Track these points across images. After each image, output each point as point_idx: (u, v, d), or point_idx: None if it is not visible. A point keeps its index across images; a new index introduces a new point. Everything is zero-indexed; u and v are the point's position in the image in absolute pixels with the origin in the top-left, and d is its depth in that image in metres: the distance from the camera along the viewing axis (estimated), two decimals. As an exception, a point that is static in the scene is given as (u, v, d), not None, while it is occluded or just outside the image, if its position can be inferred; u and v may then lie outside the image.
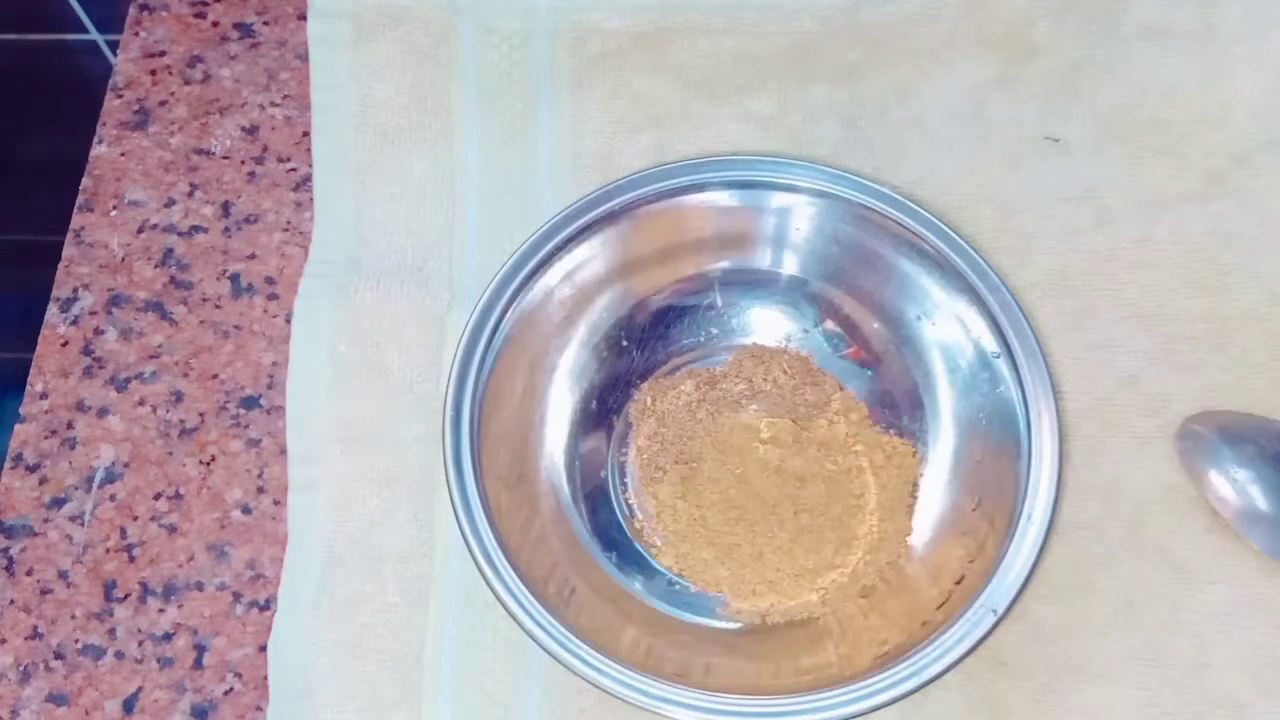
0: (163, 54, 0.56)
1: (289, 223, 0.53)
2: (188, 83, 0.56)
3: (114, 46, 0.57)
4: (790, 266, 0.50)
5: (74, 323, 0.51)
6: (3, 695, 0.45)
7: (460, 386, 0.44)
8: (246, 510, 0.48)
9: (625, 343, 0.50)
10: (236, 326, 0.51)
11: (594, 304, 0.49)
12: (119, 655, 0.45)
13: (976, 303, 0.46)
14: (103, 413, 0.49)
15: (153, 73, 0.56)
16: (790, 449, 0.48)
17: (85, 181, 0.54)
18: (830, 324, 0.50)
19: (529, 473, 0.47)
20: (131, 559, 0.47)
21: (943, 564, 0.44)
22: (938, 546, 0.45)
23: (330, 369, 0.49)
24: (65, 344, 0.50)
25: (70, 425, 0.49)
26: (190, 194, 0.53)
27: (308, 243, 0.52)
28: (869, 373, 0.49)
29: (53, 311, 0.51)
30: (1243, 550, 0.45)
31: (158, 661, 0.45)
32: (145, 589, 0.46)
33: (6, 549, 0.47)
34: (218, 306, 0.51)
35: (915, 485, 0.47)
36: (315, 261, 0.51)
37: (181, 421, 0.49)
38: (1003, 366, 0.45)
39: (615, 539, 0.47)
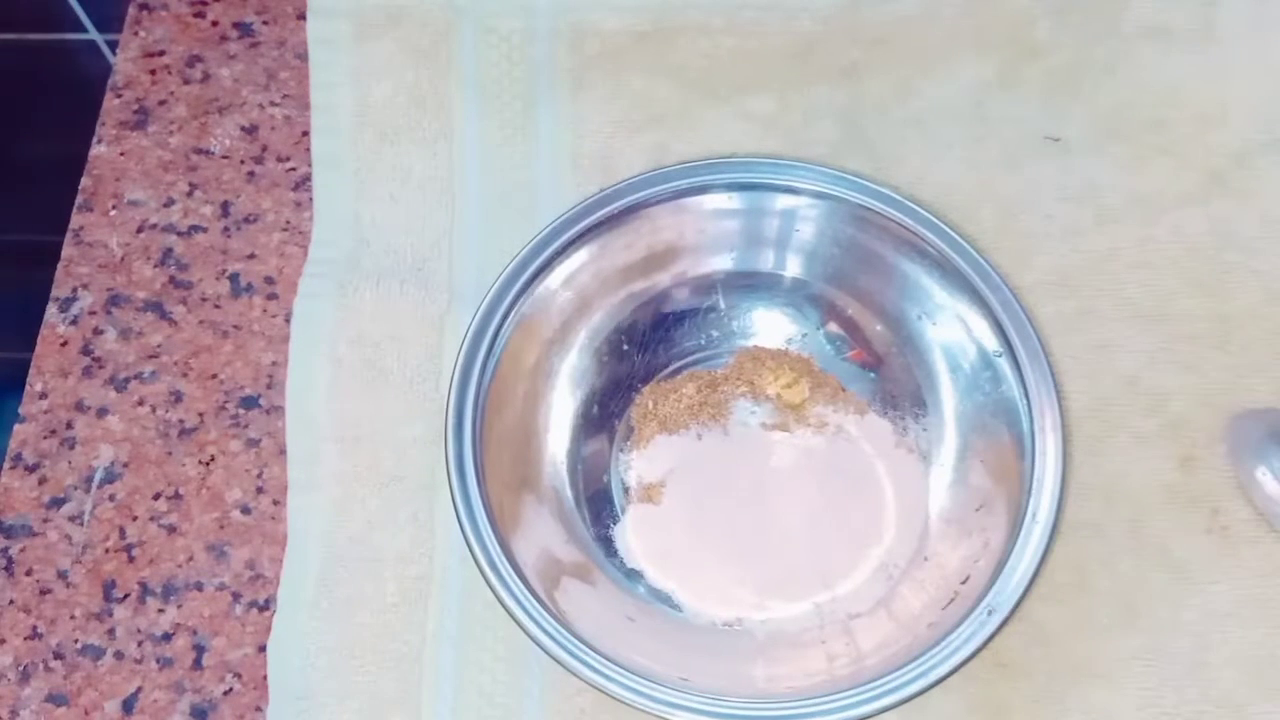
0: (162, 54, 0.56)
1: (288, 222, 0.53)
2: (187, 82, 0.56)
3: (113, 46, 0.57)
4: (793, 268, 0.50)
5: (73, 323, 0.51)
6: (2, 695, 0.45)
7: (462, 392, 0.44)
8: (246, 510, 0.47)
9: (626, 346, 0.50)
10: (236, 326, 0.51)
11: (595, 308, 0.49)
12: (118, 655, 0.45)
13: (978, 303, 0.46)
14: (102, 413, 0.49)
15: (152, 72, 0.56)
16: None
17: (85, 181, 0.53)
18: (833, 326, 0.50)
19: (531, 476, 0.47)
20: (131, 559, 0.47)
21: (948, 564, 0.44)
22: (943, 546, 0.45)
23: (330, 369, 0.49)
24: (65, 344, 0.50)
25: (70, 425, 0.49)
26: (190, 194, 0.53)
27: (307, 242, 0.52)
28: (871, 375, 0.49)
29: (52, 311, 0.51)
30: (1242, 550, 0.45)
31: (157, 662, 0.45)
32: (145, 589, 0.46)
33: (6, 549, 0.47)
34: (217, 306, 0.51)
35: (920, 486, 0.47)
36: (315, 261, 0.51)
37: (181, 421, 0.49)
38: (1005, 366, 0.45)
39: (616, 541, 0.47)
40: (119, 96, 0.55)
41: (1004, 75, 0.54)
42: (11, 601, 0.46)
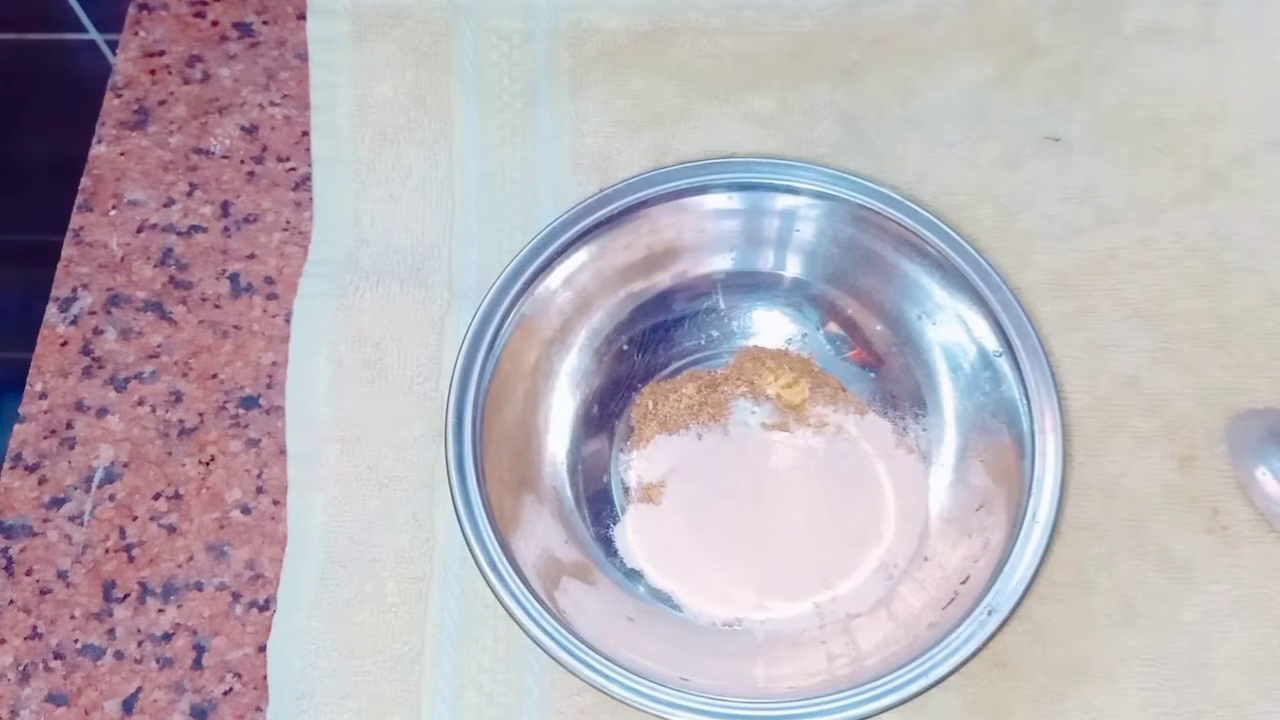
0: (162, 53, 0.56)
1: (288, 222, 0.53)
2: (187, 82, 0.56)
3: (113, 46, 0.57)
4: (793, 268, 0.50)
5: (73, 322, 0.51)
6: (2, 695, 0.45)
7: (462, 392, 0.44)
8: (246, 510, 0.47)
9: (626, 346, 0.50)
10: (236, 326, 0.51)
11: (595, 308, 0.49)
12: (118, 655, 0.45)
13: (978, 302, 0.46)
14: (102, 413, 0.49)
15: (152, 72, 0.56)
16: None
17: (85, 181, 0.53)
18: (833, 326, 0.50)
19: (531, 476, 0.47)
20: (131, 559, 0.47)
21: (948, 564, 0.44)
22: (943, 546, 0.45)
23: (330, 369, 0.49)
24: (64, 344, 0.50)
25: (70, 425, 0.49)
26: (190, 194, 0.53)
27: (307, 242, 0.52)
28: (872, 375, 0.49)
29: (52, 311, 0.51)
30: (1242, 550, 0.45)
31: (157, 662, 0.45)
32: (145, 589, 0.46)
33: (6, 549, 0.47)
34: (217, 306, 0.51)
35: (920, 486, 0.47)
36: (315, 261, 0.51)
37: (181, 421, 0.49)
38: (1005, 365, 0.45)
39: (616, 541, 0.47)
40: (119, 96, 0.55)
41: (1004, 75, 0.54)
42: (11, 601, 0.46)
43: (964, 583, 0.43)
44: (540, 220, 0.50)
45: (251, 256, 0.52)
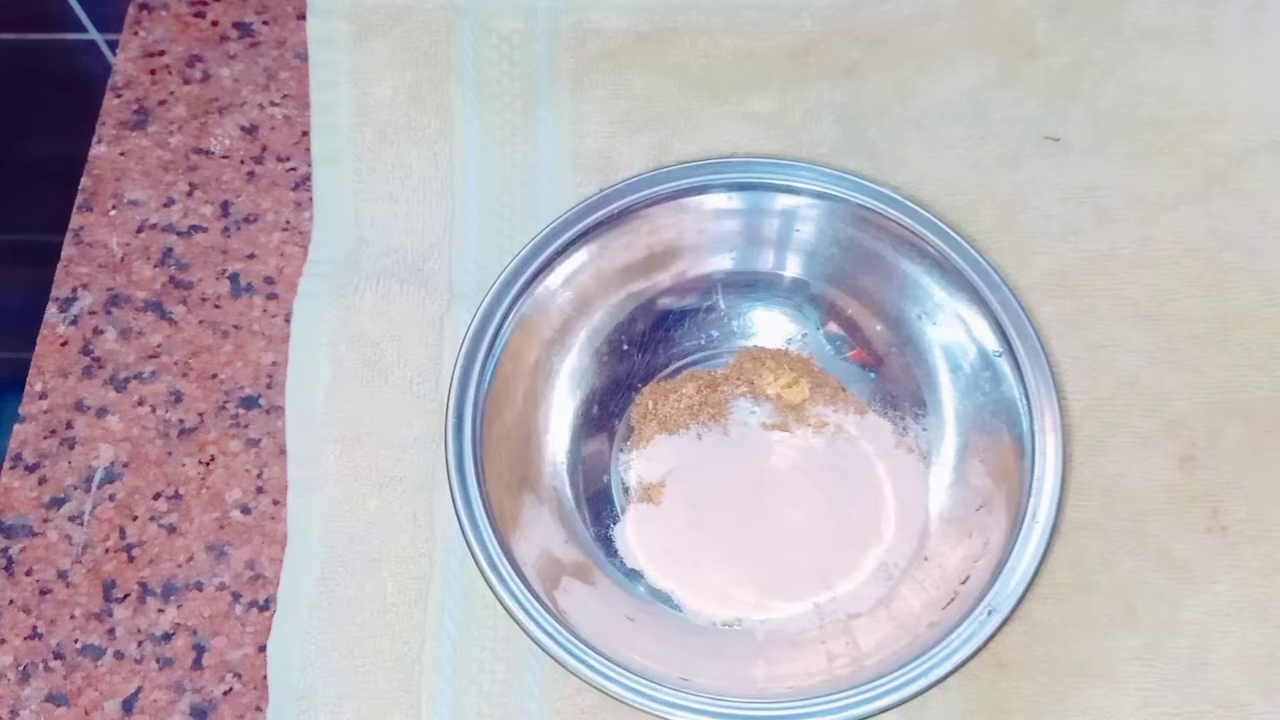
0: (162, 53, 0.56)
1: (288, 222, 0.53)
2: (187, 82, 0.56)
3: (113, 46, 0.57)
4: (793, 268, 0.50)
5: (73, 322, 0.51)
6: (2, 695, 0.45)
7: (462, 392, 0.44)
8: (246, 510, 0.47)
9: (626, 346, 0.50)
10: (236, 326, 0.51)
11: (594, 308, 0.49)
12: (118, 655, 0.45)
13: (978, 302, 0.46)
14: (102, 413, 0.49)
15: (152, 72, 0.56)
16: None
17: (84, 181, 0.53)
18: (833, 326, 0.50)
19: (531, 476, 0.47)
20: (131, 559, 0.47)
21: (948, 564, 0.44)
22: (943, 546, 0.45)
23: (330, 369, 0.49)
24: (64, 344, 0.50)
25: (69, 425, 0.49)
26: (189, 193, 0.53)
27: (307, 242, 0.52)
28: (872, 375, 0.49)
29: (52, 311, 0.51)
30: (1242, 550, 0.45)
31: (157, 662, 0.45)
32: (145, 589, 0.46)
33: (6, 549, 0.47)
34: (217, 306, 0.51)
35: (920, 486, 0.47)
36: (315, 261, 0.51)
37: (181, 421, 0.49)
38: (1005, 365, 0.45)
39: (616, 541, 0.47)
40: (119, 96, 0.55)
41: (1004, 75, 0.54)
42: (11, 601, 0.46)
43: (964, 583, 0.43)
44: (540, 220, 0.50)
45: (251, 256, 0.52)
